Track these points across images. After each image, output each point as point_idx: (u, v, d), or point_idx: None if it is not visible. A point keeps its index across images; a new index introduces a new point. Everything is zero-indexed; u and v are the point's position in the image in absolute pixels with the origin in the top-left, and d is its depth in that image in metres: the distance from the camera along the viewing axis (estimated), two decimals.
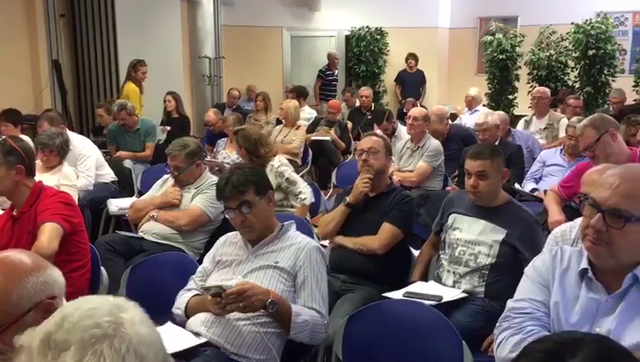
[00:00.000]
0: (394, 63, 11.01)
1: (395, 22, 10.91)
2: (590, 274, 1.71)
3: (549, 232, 2.85)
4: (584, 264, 1.73)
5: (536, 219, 2.99)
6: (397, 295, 2.82)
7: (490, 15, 10.79)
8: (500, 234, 2.86)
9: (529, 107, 7.31)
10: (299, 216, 3.99)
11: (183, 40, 9.25)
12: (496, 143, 4.86)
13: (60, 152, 4.37)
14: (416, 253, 3.32)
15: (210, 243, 3.12)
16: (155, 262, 3.09)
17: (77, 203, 3.24)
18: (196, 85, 9.76)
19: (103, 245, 3.57)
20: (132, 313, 1.07)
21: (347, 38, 11.21)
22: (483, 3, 10.99)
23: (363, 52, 10.93)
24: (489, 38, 9.85)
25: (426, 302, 2.60)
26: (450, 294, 2.81)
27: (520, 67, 9.79)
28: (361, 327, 2.43)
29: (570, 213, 3.37)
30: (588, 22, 9.12)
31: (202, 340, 2.35)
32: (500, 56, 9.67)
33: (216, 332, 2.35)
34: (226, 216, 2.68)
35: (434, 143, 5.10)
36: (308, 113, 8.62)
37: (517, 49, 9.77)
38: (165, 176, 4.05)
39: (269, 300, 2.24)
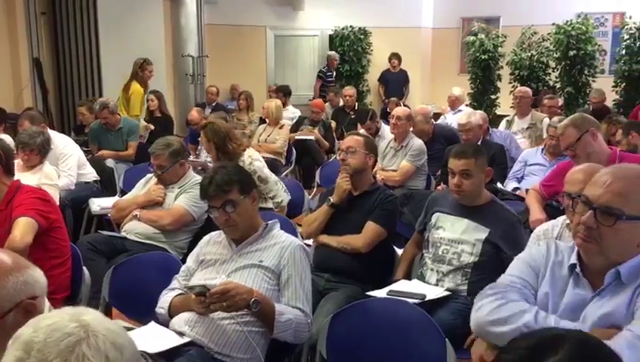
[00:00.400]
0: (377, 63, 11.04)
1: (378, 22, 10.94)
2: (578, 269, 1.74)
3: (531, 231, 2.89)
4: (573, 259, 1.76)
5: (518, 217, 3.02)
6: (381, 293, 2.83)
7: (472, 15, 10.84)
8: (482, 233, 2.88)
9: (511, 107, 7.37)
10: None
11: (166, 38, 9.18)
12: (479, 143, 4.89)
13: (40, 151, 4.33)
14: (399, 251, 3.34)
15: (193, 243, 3.11)
16: (138, 262, 3.07)
17: (58, 202, 3.21)
18: (179, 84, 9.69)
19: (85, 245, 3.53)
20: (92, 313, 1.08)
21: (331, 37, 11.20)
22: (466, 3, 11.04)
23: (347, 52, 10.93)
24: (471, 38, 9.91)
25: (410, 301, 2.61)
26: (433, 292, 2.82)
27: (502, 67, 9.88)
28: (345, 326, 2.43)
29: (552, 212, 3.41)
30: (569, 23, 9.21)
31: (186, 340, 2.35)
32: (483, 57, 9.75)
33: (200, 332, 2.34)
34: (210, 216, 2.67)
35: (417, 143, 5.12)
36: (292, 112, 8.61)
37: (499, 49, 9.86)
38: (148, 176, 4.02)
39: (253, 299, 2.24)
